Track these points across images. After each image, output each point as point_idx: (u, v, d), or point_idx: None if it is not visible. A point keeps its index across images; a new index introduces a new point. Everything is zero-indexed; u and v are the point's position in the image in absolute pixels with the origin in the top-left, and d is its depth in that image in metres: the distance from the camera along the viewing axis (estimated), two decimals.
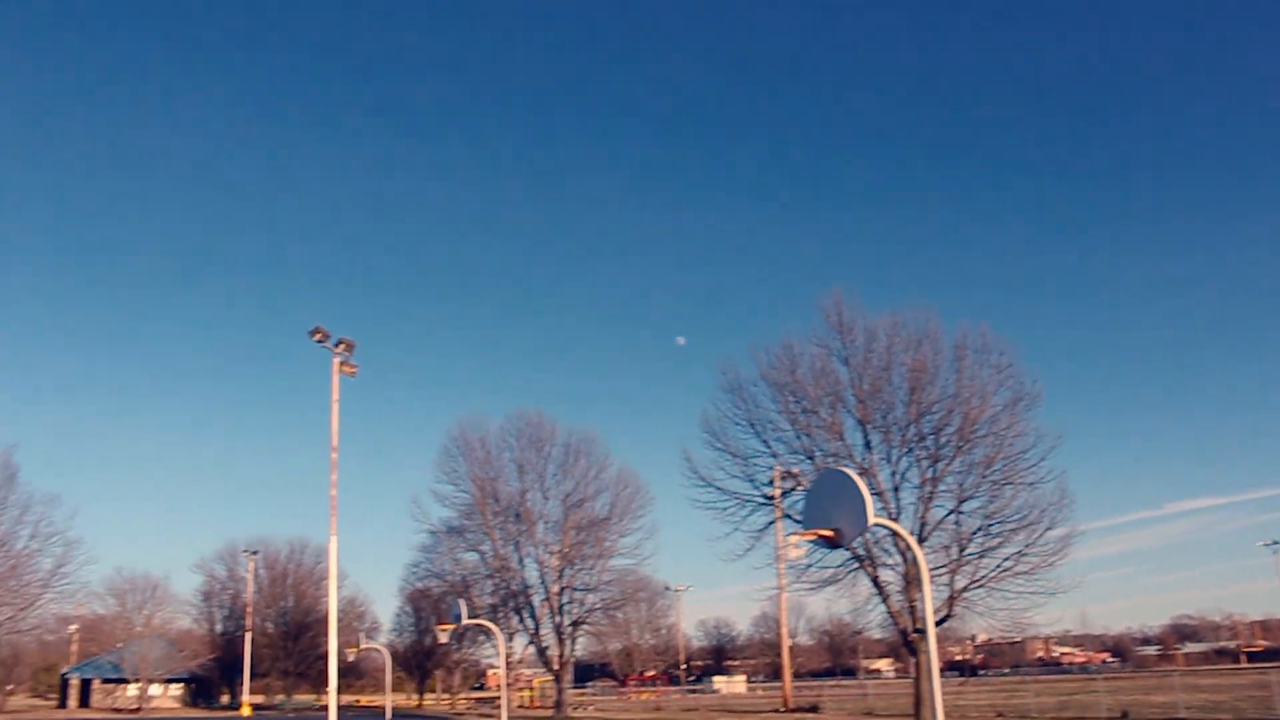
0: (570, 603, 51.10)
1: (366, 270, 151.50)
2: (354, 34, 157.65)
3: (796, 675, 58.81)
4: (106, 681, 68.89)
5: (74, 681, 71.24)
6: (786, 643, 56.97)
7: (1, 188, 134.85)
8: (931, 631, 14.20)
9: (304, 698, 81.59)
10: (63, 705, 70.61)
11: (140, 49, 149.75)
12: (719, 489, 33.56)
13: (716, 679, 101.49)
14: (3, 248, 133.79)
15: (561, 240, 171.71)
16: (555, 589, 50.66)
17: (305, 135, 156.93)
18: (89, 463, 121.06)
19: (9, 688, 79.52)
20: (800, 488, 32.76)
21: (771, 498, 33.77)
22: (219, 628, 77.23)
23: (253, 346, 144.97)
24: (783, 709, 49.66)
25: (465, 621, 32.96)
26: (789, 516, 33.22)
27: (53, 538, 58.65)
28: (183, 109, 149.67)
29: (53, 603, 61.78)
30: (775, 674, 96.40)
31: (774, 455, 33.44)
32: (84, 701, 69.41)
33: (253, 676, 64.31)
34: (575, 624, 51.52)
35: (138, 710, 62.60)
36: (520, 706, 62.01)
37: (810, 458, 32.43)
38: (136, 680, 64.69)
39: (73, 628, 75.84)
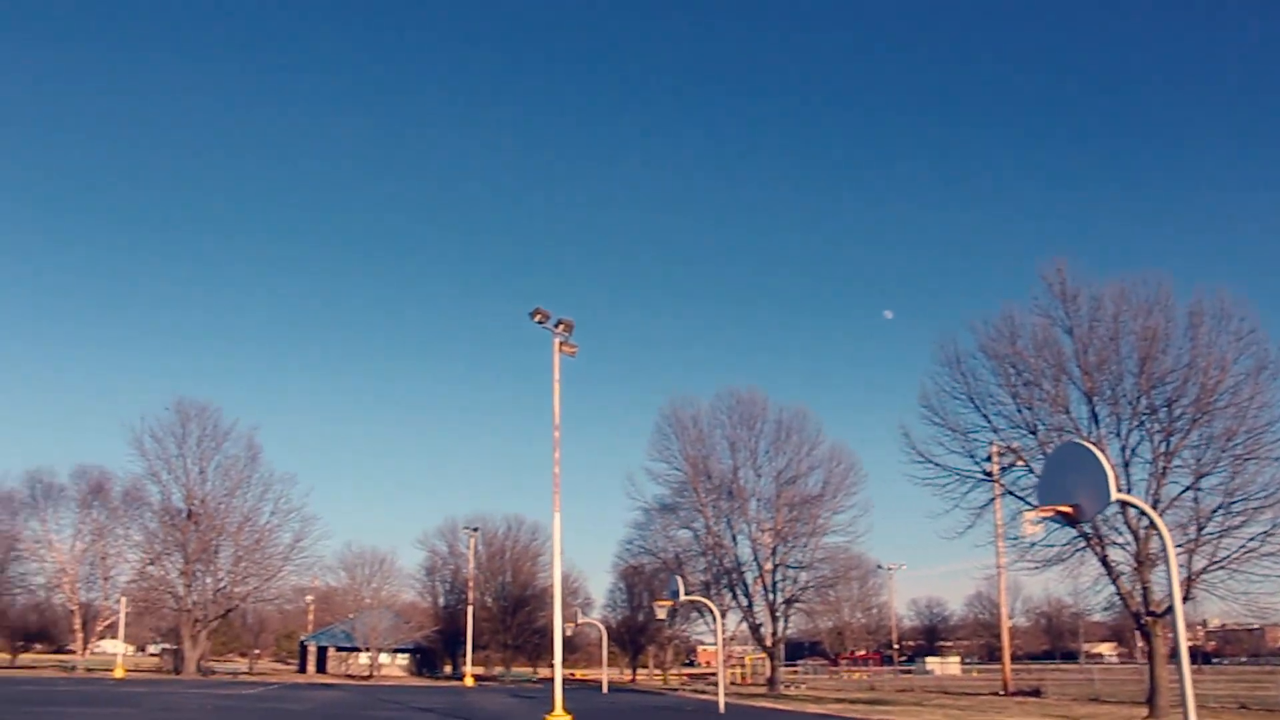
0: (783, 580, 53.50)
1: (583, 251, 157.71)
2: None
3: (1014, 658, 58.92)
4: (340, 649, 77.27)
5: (311, 648, 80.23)
6: (1006, 623, 56.88)
7: (242, 187, 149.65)
8: (1179, 611, 13.10)
9: (521, 670, 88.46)
10: (302, 670, 79.72)
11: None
12: (938, 465, 34.94)
13: (929, 660, 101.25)
14: (241, 240, 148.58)
15: (767, 218, 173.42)
16: (768, 566, 53.21)
17: (520, 117, 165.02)
18: (323, 443, 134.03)
19: (256, 652, 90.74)
20: (1021, 464, 33.80)
21: (991, 474, 34.97)
22: (441, 601, 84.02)
23: (474, 328, 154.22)
24: (1002, 692, 49.68)
25: (682, 598, 34.85)
26: (1010, 493, 34.36)
27: (291, 514, 67.05)
28: (409, 98, 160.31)
29: (292, 574, 70.45)
30: (990, 656, 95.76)
31: (994, 430, 34.29)
32: (320, 667, 78.10)
33: (473, 649, 70.74)
34: (788, 602, 53.92)
35: (369, 677, 70.06)
36: (732, 683, 65.06)
37: (1033, 432, 33.23)
38: (367, 649, 72.49)
39: (309, 598, 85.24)
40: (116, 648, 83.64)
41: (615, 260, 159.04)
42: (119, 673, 59.09)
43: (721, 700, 35.59)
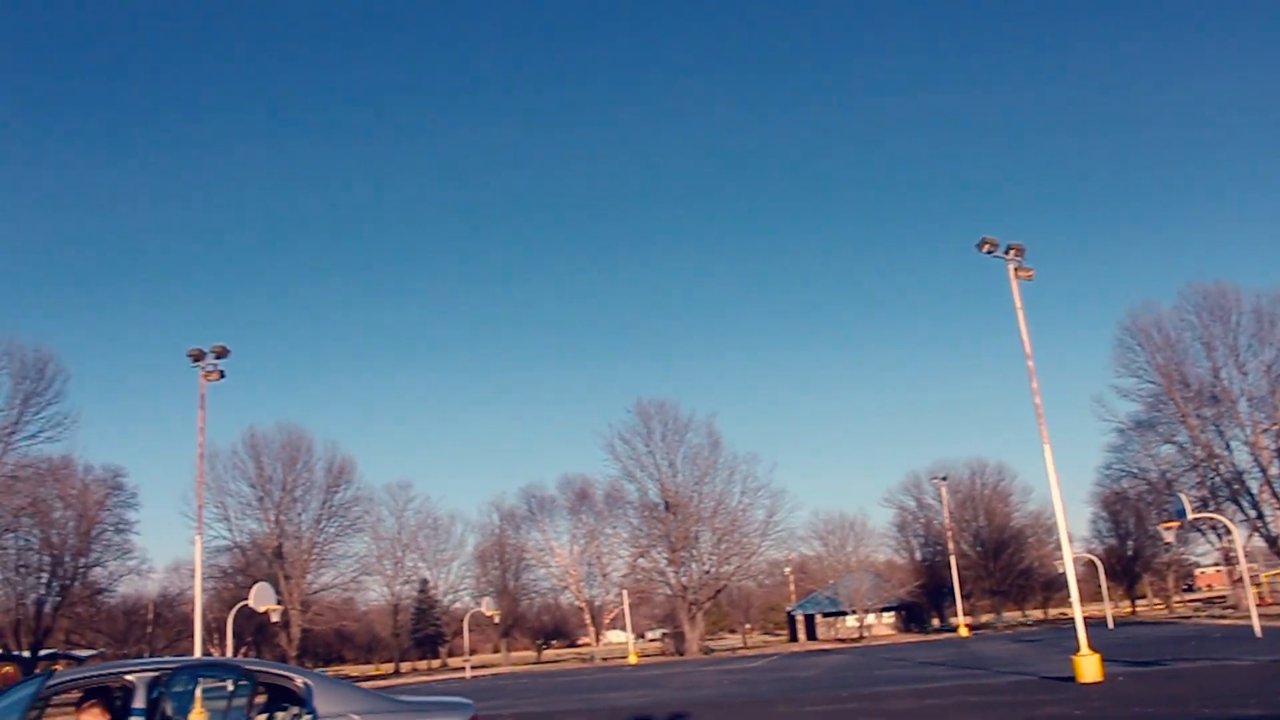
0: None
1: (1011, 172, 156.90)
2: None
3: None
4: (826, 615, 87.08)
5: (799, 617, 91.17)
6: None
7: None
8: None
9: (1010, 614, 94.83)
10: (793, 639, 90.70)
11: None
12: None
13: None
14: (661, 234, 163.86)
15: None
16: (1273, 471, 53.05)
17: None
18: (776, 419, 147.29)
19: (747, 627, 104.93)
20: None
21: None
22: (918, 555, 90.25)
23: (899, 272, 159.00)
24: None
25: (1190, 517, 35.41)
26: None
27: (760, 491, 77.76)
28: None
29: (770, 549, 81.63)
30: None
31: None
32: (810, 634, 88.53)
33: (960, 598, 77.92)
34: None
35: (860, 639, 78.70)
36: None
37: None
38: (853, 612, 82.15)
39: (787, 569, 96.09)
40: (621, 637, 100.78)
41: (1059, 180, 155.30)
42: (632, 659, 69.79)
43: (1256, 623, 35.47)
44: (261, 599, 41.70)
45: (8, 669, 65.84)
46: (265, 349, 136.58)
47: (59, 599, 57.07)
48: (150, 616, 70.64)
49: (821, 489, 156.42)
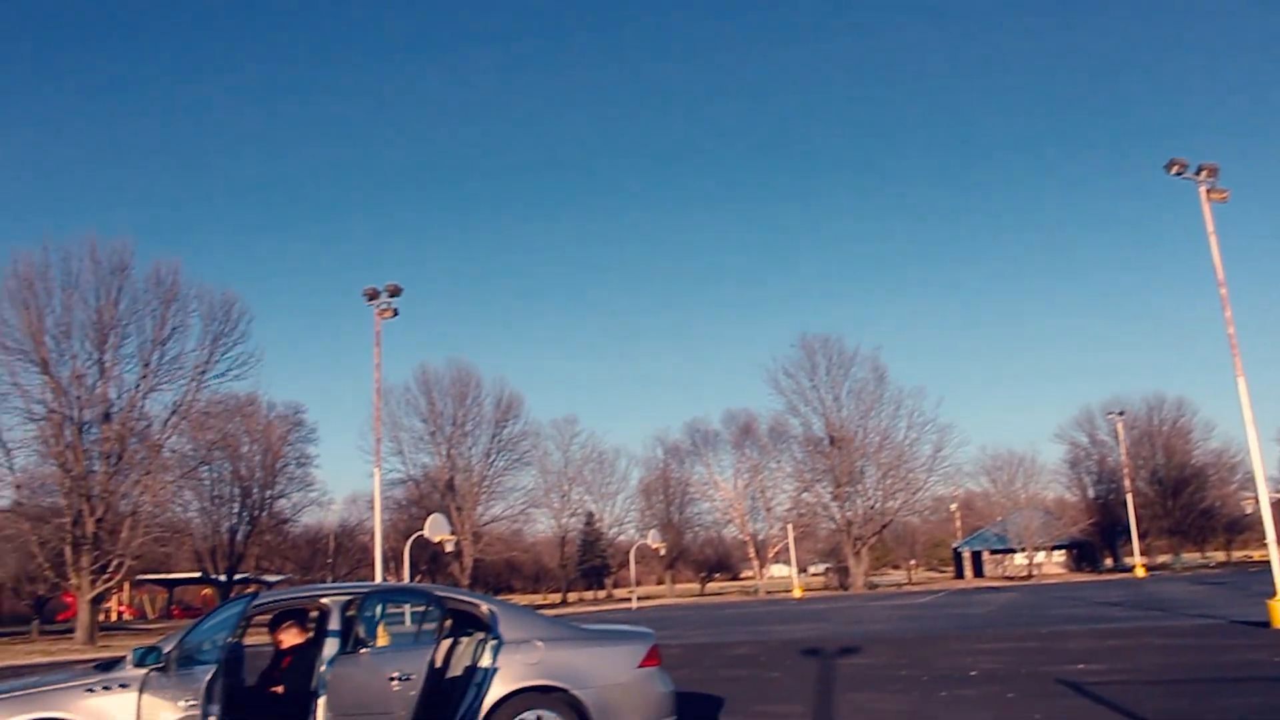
0: None
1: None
2: None
3: None
4: (994, 552, 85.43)
5: (965, 554, 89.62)
6: None
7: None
8: None
9: (1190, 556, 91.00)
10: (959, 575, 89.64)
11: None
12: None
13: None
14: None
15: None
16: None
17: None
18: (944, 351, 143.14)
19: (911, 563, 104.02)
20: None
21: None
22: (1090, 493, 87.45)
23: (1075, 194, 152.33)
24: None
25: None
26: None
27: (926, 426, 76.27)
28: None
29: (936, 485, 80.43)
30: None
31: None
32: (977, 571, 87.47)
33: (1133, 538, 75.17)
34: None
35: (1028, 577, 76.95)
36: None
37: None
38: (1021, 549, 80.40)
39: (953, 506, 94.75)
40: (784, 571, 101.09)
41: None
42: (796, 593, 70.37)
43: None
44: (436, 529, 43.25)
45: (207, 591, 70.28)
46: (435, 288, 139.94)
47: (249, 528, 60.52)
48: (331, 545, 74.07)
49: (989, 424, 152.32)
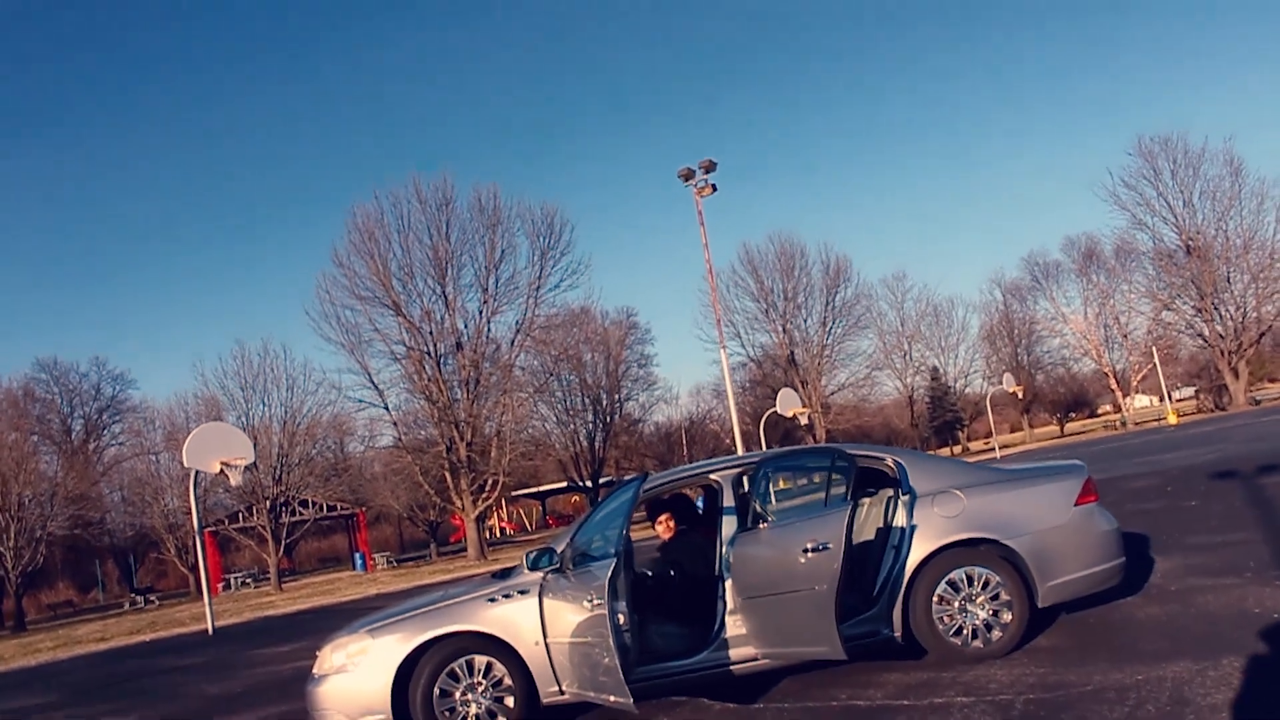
0: None
1: None
2: None
3: None
4: None
5: None
6: None
7: None
8: None
9: None
10: None
11: None
12: None
13: None
14: None
15: None
16: None
17: None
18: None
19: None
20: None
21: None
22: None
23: None
24: None
25: None
26: None
27: None
28: None
29: None
30: None
31: None
32: None
33: None
34: None
35: None
36: None
37: None
38: None
39: None
40: (1143, 401, 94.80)
41: None
42: (1170, 419, 65.67)
43: None
44: (788, 403, 43.00)
45: (576, 499, 74.06)
46: (742, 165, 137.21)
47: (605, 434, 62.94)
48: (683, 438, 75.81)
49: None
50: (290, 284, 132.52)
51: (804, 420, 48.60)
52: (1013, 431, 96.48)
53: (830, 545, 6.50)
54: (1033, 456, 47.22)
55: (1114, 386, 79.39)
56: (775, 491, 7.75)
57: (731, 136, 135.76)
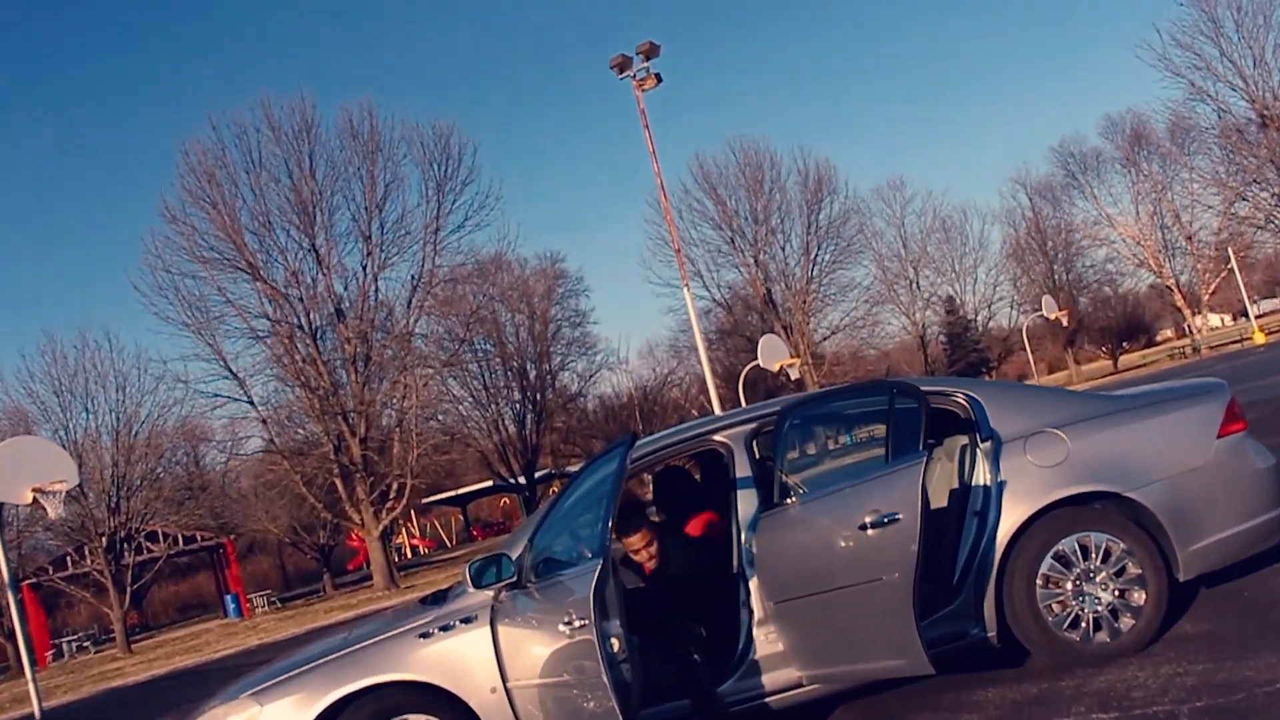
0: None
1: None
2: None
3: None
4: None
5: None
6: None
7: None
8: None
9: None
10: None
11: None
12: None
13: None
14: None
15: None
16: None
17: None
18: None
19: None
20: None
21: None
22: None
23: None
24: None
25: None
26: None
27: None
28: None
29: None
30: None
31: None
32: None
33: None
34: None
35: None
36: None
37: None
38: None
39: None
40: (1213, 321, 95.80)
41: None
42: (1258, 338, 67.09)
43: None
44: (772, 354, 42.48)
45: (506, 500, 73.41)
46: (693, 52, 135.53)
47: (536, 415, 62.04)
48: (637, 412, 74.95)
49: None
50: (108, 251, 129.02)
51: (794, 374, 48.10)
52: (1052, 372, 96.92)
53: (901, 516, 5.91)
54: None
55: (1180, 303, 79.96)
56: (809, 451, 7.13)
57: (677, 16, 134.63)
